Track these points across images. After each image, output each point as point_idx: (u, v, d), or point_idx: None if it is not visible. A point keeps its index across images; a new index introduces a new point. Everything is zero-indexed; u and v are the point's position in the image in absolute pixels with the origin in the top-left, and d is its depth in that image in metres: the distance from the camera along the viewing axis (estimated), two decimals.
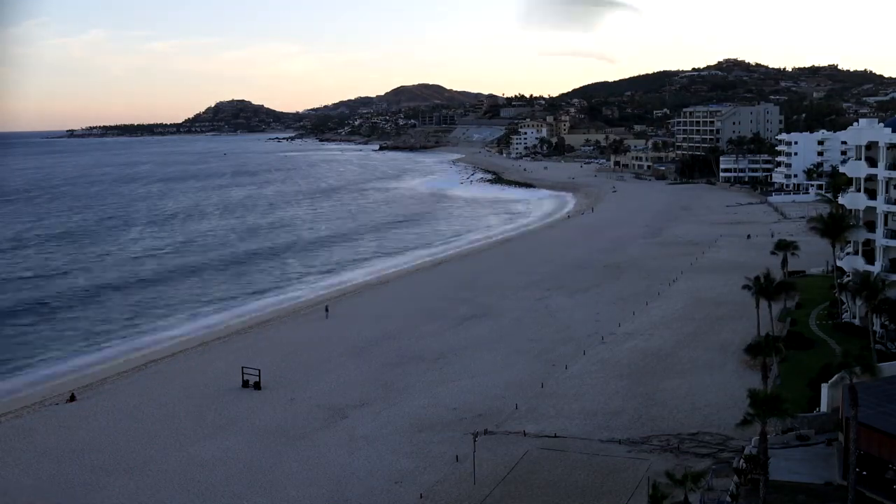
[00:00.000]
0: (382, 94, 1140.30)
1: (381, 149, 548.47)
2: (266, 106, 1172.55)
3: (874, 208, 67.98)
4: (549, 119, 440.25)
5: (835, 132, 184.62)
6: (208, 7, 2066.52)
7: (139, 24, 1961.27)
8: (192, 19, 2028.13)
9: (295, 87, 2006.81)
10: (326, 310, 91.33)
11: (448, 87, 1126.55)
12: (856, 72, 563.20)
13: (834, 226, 71.63)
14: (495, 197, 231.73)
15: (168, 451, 52.79)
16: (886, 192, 66.73)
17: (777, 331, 65.35)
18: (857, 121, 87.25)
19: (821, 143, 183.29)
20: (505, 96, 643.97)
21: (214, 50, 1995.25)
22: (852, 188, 72.66)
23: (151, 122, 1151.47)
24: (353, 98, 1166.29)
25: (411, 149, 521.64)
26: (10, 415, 61.95)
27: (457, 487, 45.23)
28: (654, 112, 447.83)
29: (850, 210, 72.46)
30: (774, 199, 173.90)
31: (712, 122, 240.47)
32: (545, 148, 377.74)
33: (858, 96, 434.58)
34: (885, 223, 66.98)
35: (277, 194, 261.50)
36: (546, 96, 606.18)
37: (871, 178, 68.75)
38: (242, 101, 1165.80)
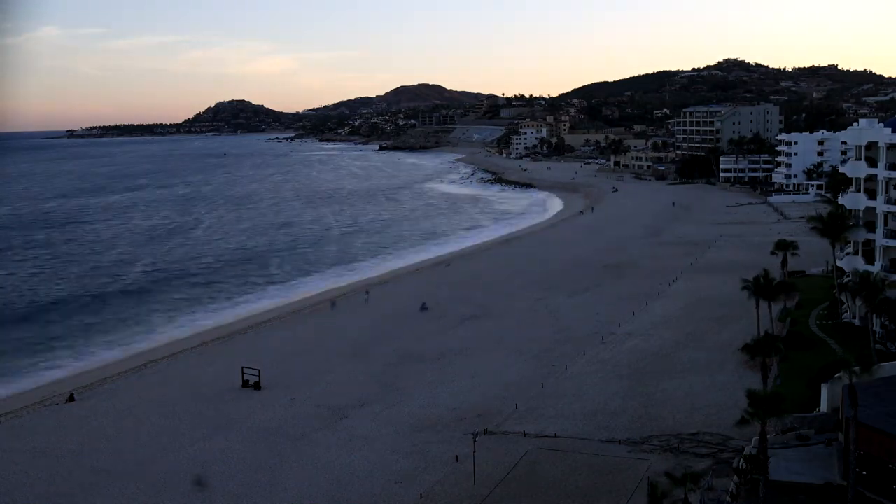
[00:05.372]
0: (382, 94, 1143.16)
1: (381, 149, 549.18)
2: (266, 106, 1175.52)
3: (874, 208, 68.01)
4: (549, 119, 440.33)
5: (835, 132, 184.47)
6: (187, 5, 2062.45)
7: (93, 21, 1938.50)
8: (164, 16, 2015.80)
9: (295, 88, 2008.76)
10: (332, 304, 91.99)
11: (448, 87, 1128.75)
12: (856, 72, 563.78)
13: (834, 226, 71.65)
14: (495, 197, 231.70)
15: (168, 451, 52.76)
16: (886, 192, 66.76)
17: (777, 331, 65.34)
18: (857, 121, 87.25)
19: (821, 143, 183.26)
20: (505, 96, 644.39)
21: (183, 49, 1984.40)
22: (852, 188, 72.67)
23: (151, 122, 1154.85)
24: (352, 98, 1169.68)
25: (411, 149, 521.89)
26: (9, 415, 61.93)
27: (457, 487, 45.21)
28: (654, 112, 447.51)
29: (850, 210, 72.46)
30: (774, 199, 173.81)
31: (712, 123, 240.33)
32: (545, 148, 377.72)
33: (858, 96, 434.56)
34: (885, 223, 67.00)
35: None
36: (546, 96, 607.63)
37: (871, 178, 68.79)
38: (242, 102, 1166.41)
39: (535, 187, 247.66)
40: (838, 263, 73.80)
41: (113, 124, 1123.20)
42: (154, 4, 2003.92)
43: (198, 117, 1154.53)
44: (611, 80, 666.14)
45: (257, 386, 65.01)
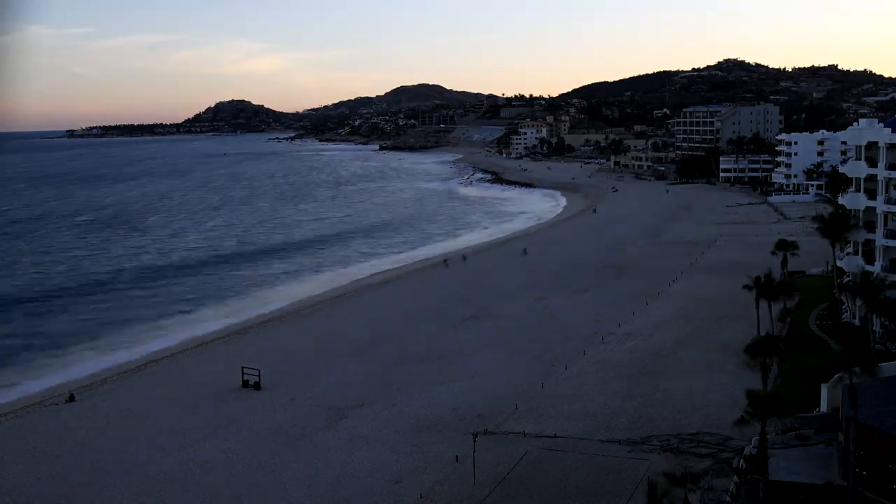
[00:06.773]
0: (382, 94, 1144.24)
1: (381, 149, 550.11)
2: (266, 106, 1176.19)
3: (874, 208, 68.00)
4: (549, 119, 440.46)
5: (835, 132, 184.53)
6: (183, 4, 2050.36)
7: (84, 20, 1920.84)
8: (158, 16, 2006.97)
9: (295, 88, 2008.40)
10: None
11: (448, 87, 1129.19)
12: (856, 72, 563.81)
13: (834, 226, 71.65)
14: (495, 197, 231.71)
15: (168, 451, 52.73)
16: (886, 192, 66.76)
17: (777, 331, 65.34)
18: (857, 121, 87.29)
19: (821, 143, 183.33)
20: (505, 96, 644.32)
21: (176, 49, 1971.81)
22: (852, 188, 72.68)
23: (151, 122, 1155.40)
24: (352, 98, 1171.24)
25: (411, 149, 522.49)
26: (10, 415, 61.92)
27: (457, 487, 45.18)
28: (654, 112, 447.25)
29: (850, 210, 72.46)
30: (774, 199, 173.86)
31: (712, 123, 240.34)
32: (545, 148, 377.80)
33: (858, 96, 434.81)
34: (885, 223, 67.00)
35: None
36: (546, 96, 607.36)
37: (871, 178, 68.80)
38: (242, 102, 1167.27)
39: (535, 187, 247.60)
40: (838, 263, 73.80)
41: (113, 124, 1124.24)
42: (140, 4, 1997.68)
43: (198, 117, 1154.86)
44: (611, 80, 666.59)
45: (257, 386, 64.99)
